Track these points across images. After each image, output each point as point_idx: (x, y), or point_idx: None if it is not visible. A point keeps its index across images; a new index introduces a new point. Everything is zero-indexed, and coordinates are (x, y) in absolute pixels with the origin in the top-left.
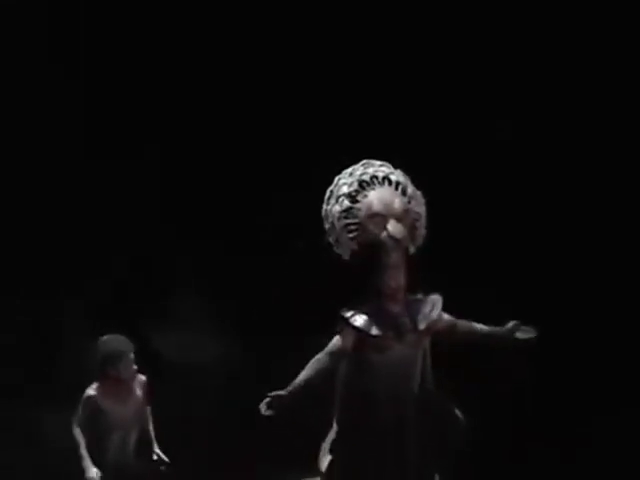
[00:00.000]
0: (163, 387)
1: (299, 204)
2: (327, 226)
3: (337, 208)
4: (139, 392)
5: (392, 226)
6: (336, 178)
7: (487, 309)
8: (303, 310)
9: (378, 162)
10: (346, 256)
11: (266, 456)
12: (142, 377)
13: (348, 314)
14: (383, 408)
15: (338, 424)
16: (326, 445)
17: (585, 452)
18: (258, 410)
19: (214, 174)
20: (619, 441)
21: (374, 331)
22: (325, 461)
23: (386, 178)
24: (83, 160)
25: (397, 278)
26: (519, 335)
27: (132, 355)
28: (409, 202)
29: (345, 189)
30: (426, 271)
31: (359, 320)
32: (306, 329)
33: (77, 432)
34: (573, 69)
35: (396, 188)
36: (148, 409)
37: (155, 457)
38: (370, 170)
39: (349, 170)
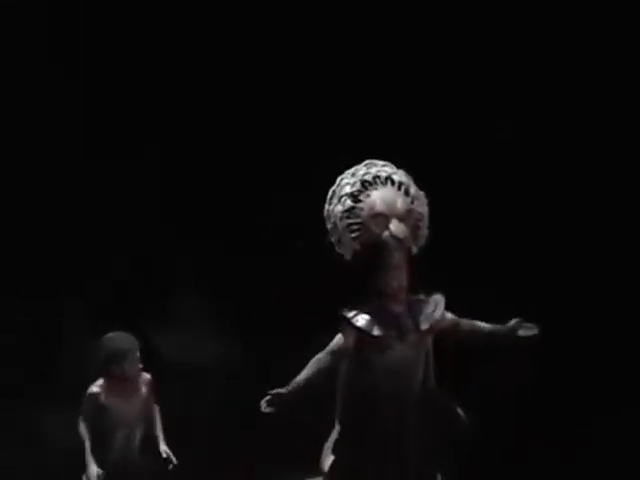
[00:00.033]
0: (163, 387)
1: (299, 204)
2: (329, 226)
3: (339, 208)
4: (144, 390)
5: (394, 226)
6: (339, 178)
7: (488, 309)
8: (303, 310)
9: (381, 162)
10: (348, 256)
11: (266, 456)
12: (147, 375)
13: (350, 314)
14: (385, 408)
15: (340, 424)
16: (329, 445)
17: (585, 452)
18: (258, 410)
19: (214, 174)
20: (619, 441)
21: (376, 331)
22: (328, 461)
23: (389, 178)
24: (83, 160)
25: (399, 278)
26: (521, 333)
27: (137, 353)
28: (412, 202)
29: (348, 189)
30: (428, 271)
31: (361, 320)
32: (306, 329)
33: (82, 428)
34: (573, 69)
35: (399, 188)
36: (156, 408)
37: (165, 455)
38: (373, 170)
39: (352, 170)
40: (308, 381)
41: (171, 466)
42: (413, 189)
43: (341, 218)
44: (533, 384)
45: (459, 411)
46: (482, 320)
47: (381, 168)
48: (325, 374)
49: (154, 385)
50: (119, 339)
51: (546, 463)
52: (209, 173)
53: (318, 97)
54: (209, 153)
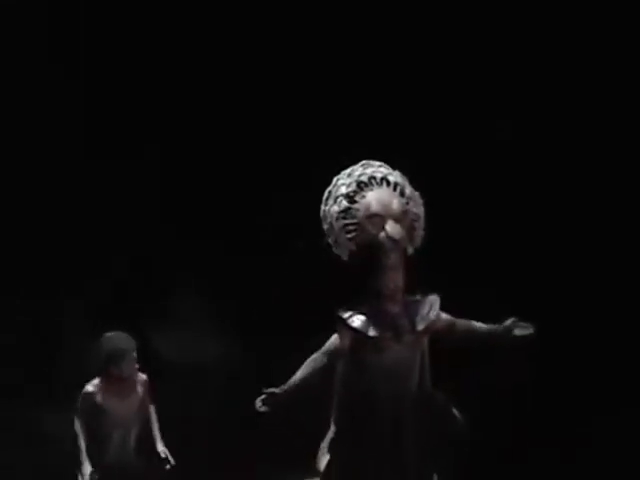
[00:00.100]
0: (163, 387)
1: (299, 204)
2: (325, 227)
3: (335, 209)
4: (140, 390)
5: (390, 227)
6: (334, 179)
7: (486, 309)
8: (303, 310)
9: (377, 163)
10: (344, 257)
11: (266, 456)
12: (143, 375)
13: (346, 315)
14: (381, 408)
15: (336, 424)
16: (324, 445)
17: (585, 452)
18: (258, 410)
19: (214, 174)
20: (619, 441)
21: (372, 332)
22: (323, 461)
23: (384, 179)
24: (83, 160)
25: (395, 279)
26: (517, 332)
27: (134, 353)
28: (407, 203)
29: (343, 190)
30: (425, 271)
31: (357, 321)
32: (306, 329)
33: (77, 426)
34: (573, 69)
35: (394, 189)
36: (152, 408)
37: (163, 455)
38: (368, 171)
39: (348, 171)
40: (303, 381)
41: (168, 466)
42: (409, 190)
43: (337, 219)
44: (531, 384)
45: (455, 412)
46: (480, 320)
47: (377, 169)
48: (321, 374)
49: (150, 385)
50: (117, 339)
51: (544, 463)
52: (209, 173)
53: (318, 98)
54: (209, 153)
